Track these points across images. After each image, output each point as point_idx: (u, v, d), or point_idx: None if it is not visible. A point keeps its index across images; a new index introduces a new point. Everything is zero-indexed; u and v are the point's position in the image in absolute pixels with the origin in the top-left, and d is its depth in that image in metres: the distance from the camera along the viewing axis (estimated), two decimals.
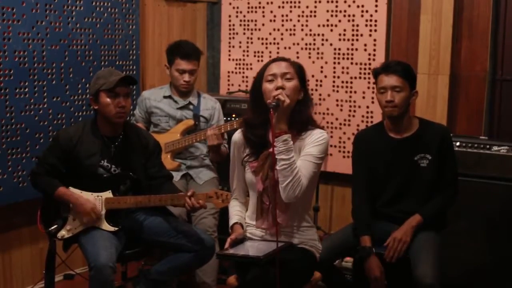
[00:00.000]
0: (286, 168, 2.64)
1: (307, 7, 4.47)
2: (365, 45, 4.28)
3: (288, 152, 2.64)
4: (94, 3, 3.98)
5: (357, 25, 4.30)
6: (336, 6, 4.36)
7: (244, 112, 4.18)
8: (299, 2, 4.50)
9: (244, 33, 4.76)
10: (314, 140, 2.75)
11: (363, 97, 4.31)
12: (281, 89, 2.67)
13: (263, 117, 2.73)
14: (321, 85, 4.46)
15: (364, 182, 3.23)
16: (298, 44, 4.53)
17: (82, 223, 3.14)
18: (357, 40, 4.31)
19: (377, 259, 3.04)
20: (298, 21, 4.52)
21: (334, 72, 4.41)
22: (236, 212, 2.88)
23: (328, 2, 4.39)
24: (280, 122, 2.66)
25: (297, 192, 2.66)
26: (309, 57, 4.46)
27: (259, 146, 2.78)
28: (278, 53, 4.61)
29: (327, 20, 4.40)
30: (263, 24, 4.67)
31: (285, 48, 4.58)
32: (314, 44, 4.46)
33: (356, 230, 3.17)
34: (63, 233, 3.14)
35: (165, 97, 3.98)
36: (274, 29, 4.62)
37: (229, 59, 4.84)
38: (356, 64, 4.33)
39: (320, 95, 4.45)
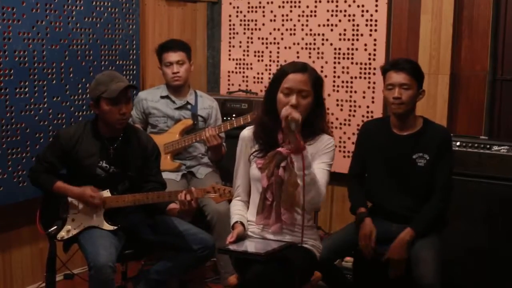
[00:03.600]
0: (309, 182, 2.63)
1: (307, 6, 4.46)
2: (365, 45, 4.28)
3: (309, 168, 2.63)
4: (94, 3, 3.98)
5: (357, 25, 4.30)
6: (336, 6, 4.36)
7: (244, 112, 4.20)
8: (299, 2, 4.49)
9: (244, 33, 4.76)
10: (325, 147, 2.77)
11: (363, 97, 4.31)
12: (291, 107, 2.64)
13: (275, 120, 2.73)
14: None
15: (360, 169, 3.33)
16: (298, 44, 4.53)
17: (82, 223, 3.15)
18: (357, 40, 4.31)
19: (371, 221, 3.12)
20: (298, 20, 4.52)
21: (334, 72, 4.41)
22: (237, 211, 2.87)
23: (328, 2, 4.38)
24: (298, 138, 2.61)
25: (319, 202, 2.72)
26: (309, 57, 4.46)
27: (268, 144, 2.78)
28: (278, 52, 4.61)
29: (327, 20, 4.40)
30: (263, 24, 4.67)
31: (285, 48, 4.58)
32: (314, 44, 4.46)
33: (353, 207, 3.25)
34: (62, 234, 3.14)
35: (162, 97, 3.98)
36: (274, 29, 4.62)
37: (229, 59, 4.84)
38: (356, 64, 4.33)
39: None
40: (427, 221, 3.11)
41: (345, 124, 4.40)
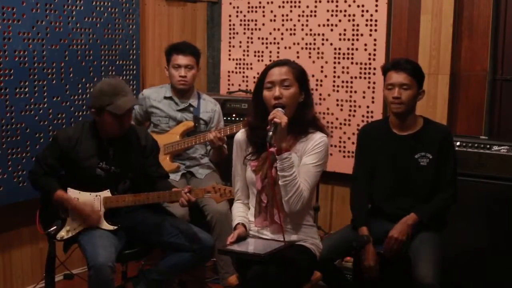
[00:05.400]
0: (287, 184, 2.66)
1: (307, 6, 4.46)
2: (365, 44, 4.28)
3: (289, 169, 2.66)
4: (94, 3, 3.98)
5: (357, 25, 4.29)
6: (336, 6, 4.36)
7: (244, 112, 4.21)
8: (299, 1, 4.49)
9: (244, 33, 4.76)
10: (313, 147, 2.75)
11: (363, 97, 4.31)
12: (276, 108, 2.67)
13: (265, 120, 2.73)
14: (321, 85, 4.46)
15: (364, 176, 3.27)
16: (298, 43, 4.53)
17: (81, 224, 3.14)
18: (357, 40, 4.31)
19: (373, 248, 3.07)
20: (299, 20, 4.52)
21: (334, 72, 4.41)
22: (239, 213, 2.89)
23: (328, 1, 4.38)
24: (281, 141, 2.66)
25: (299, 206, 2.70)
26: (309, 57, 4.46)
27: (261, 146, 2.78)
28: (278, 52, 4.61)
29: (327, 20, 4.40)
30: (263, 24, 4.67)
31: (285, 48, 4.58)
32: (314, 43, 4.46)
33: (355, 222, 3.20)
34: (62, 234, 3.14)
35: (165, 97, 3.98)
36: (274, 29, 4.62)
37: (229, 59, 4.84)
38: (356, 64, 4.32)
39: (320, 94, 4.45)
40: (432, 210, 3.12)
41: (345, 124, 4.40)
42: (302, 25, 4.50)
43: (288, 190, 2.67)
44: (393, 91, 3.13)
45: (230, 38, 4.82)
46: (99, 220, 3.12)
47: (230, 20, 4.81)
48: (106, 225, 3.14)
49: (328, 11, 4.39)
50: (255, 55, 4.73)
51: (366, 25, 4.27)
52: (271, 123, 2.63)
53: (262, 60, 4.69)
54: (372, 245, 3.08)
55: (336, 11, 4.36)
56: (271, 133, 2.60)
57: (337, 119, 4.42)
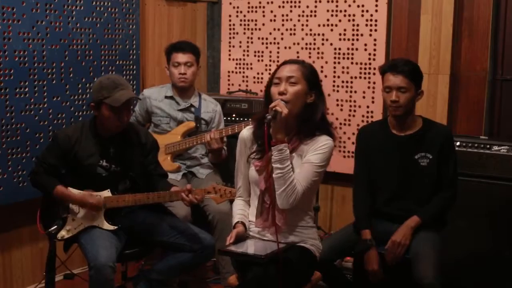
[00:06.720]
0: (280, 177, 2.65)
1: (307, 6, 4.46)
2: (365, 45, 4.28)
3: (283, 162, 2.64)
4: (94, 3, 3.98)
5: (358, 25, 4.30)
6: (337, 6, 4.36)
7: (244, 112, 4.21)
8: (299, 1, 4.49)
9: (244, 33, 4.76)
10: (316, 148, 2.73)
11: (363, 97, 4.31)
12: (280, 99, 2.67)
13: None
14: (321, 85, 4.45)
15: (365, 178, 3.26)
16: (298, 43, 4.53)
17: (83, 223, 3.14)
18: (357, 40, 4.31)
19: (376, 252, 3.07)
20: (298, 20, 4.52)
21: (334, 72, 4.41)
22: (239, 211, 2.88)
23: (328, 1, 4.38)
24: (277, 132, 2.65)
25: (291, 201, 2.66)
26: (309, 57, 4.46)
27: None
28: (278, 52, 4.62)
29: (327, 20, 4.40)
30: (263, 24, 4.67)
31: (285, 48, 4.58)
32: (314, 43, 4.46)
33: (357, 225, 3.19)
34: (63, 233, 3.14)
35: (166, 97, 3.98)
36: (274, 29, 4.62)
37: (229, 59, 4.84)
38: (356, 64, 4.32)
39: None
40: (434, 211, 3.12)
41: (345, 124, 4.40)
42: (302, 25, 4.50)
43: (281, 183, 2.65)
44: (390, 94, 3.12)
45: (230, 38, 4.82)
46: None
47: (230, 20, 4.81)
48: (106, 225, 3.14)
49: (328, 11, 4.39)
50: (255, 55, 4.73)
51: (366, 25, 4.27)
52: (271, 110, 2.63)
53: (262, 60, 4.69)
54: (375, 249, 3.07)
55: (336, 11, 4.36)
56: (270, 116, 2.60)
57: (337, 119, 4.41)
